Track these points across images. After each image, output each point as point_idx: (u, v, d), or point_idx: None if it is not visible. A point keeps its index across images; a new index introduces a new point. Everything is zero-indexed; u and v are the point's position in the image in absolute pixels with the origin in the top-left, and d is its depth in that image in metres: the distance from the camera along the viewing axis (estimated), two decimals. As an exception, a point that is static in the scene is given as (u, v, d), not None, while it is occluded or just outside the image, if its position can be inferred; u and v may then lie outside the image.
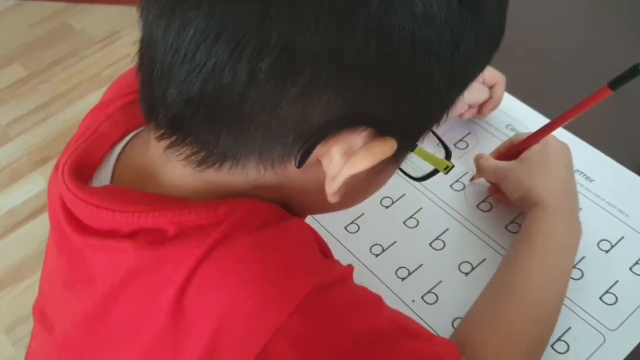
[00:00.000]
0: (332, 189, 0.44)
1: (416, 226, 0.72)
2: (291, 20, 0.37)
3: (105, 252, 0.46)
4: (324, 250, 0.52)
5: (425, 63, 0.40)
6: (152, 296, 0.44)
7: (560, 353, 0.62)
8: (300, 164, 0.42)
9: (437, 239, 0.71)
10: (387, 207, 0.74)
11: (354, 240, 0.71)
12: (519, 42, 0.92)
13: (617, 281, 0.66)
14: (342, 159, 0.42)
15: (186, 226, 0.44)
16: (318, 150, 0.42)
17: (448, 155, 0.52)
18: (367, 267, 0.69)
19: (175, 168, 0.46)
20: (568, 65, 0.88)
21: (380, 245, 0.71)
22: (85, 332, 0.49)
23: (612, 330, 0.63)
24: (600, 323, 0.63)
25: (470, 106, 0.78)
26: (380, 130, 0.42)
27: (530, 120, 0.80)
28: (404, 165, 0.52)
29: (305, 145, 0.41)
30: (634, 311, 0.64)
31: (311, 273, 0.45)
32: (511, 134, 0.80)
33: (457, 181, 0.75)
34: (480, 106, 0.79)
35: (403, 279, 0.68)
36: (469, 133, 0.81)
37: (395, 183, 0.75)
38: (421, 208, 0.74)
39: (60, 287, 0.51)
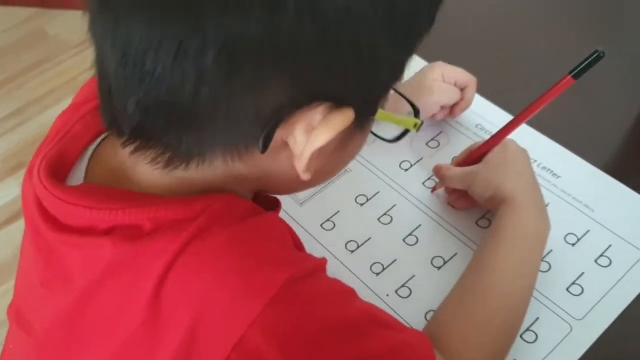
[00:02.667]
0: (300, 167, 0.45)
1: (390, 223, 0.74)
2: (225, 15, 0.38)
3: (82, 249, 0.47)
4: (298, 245, 0.53)
5: (363, 30, 0.41)
6: (130, 291, 0.45)
7: (529, 343, 0.64)
8: (264, 150, 0.43)
9: (410, 234, 0.73)
10: (362, 204, 0.76)
11: (329, 237, 0.73)
12: (487, 44, 0.95)
13: (583, 273, 0.69)
14: (304, 136, 0.43)
15: (162, 221, 0.45)
16: (281, 133, 0.43)
17: (416, 113, 0.53)
18: (342, 264, 0.71)
19: (145, 169, 0.47)
20: (537, 65, 0.91)
21: (355, 241, 0.72)
22: (65, 329, 0.49)
23: (578, 320, 0.65)
24: (567, 313, 0.66)
25: (442, 107, 0.80)
26: (335, 102, 0.43)
27: (500, 120, 0.82)
28: (377, 131, 0.54)
29: (265, 131, 0.42)
30: (599, 301, 0.66)
31: (286, 265, 0.46)
32: (481, 133, 0.82)
33: (429, 179, 0.77)
34: (451, 107, 0.81)
35: (378, 274, 0.70)
36: (440, 132, 0.83)
37: (370, 181, 0.78)
38: (395, 205, 0.75)
39: (39, 287, 0.51)
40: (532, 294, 0.64)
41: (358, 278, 0.69)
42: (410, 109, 0.55)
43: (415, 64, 0.89)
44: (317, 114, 0.43)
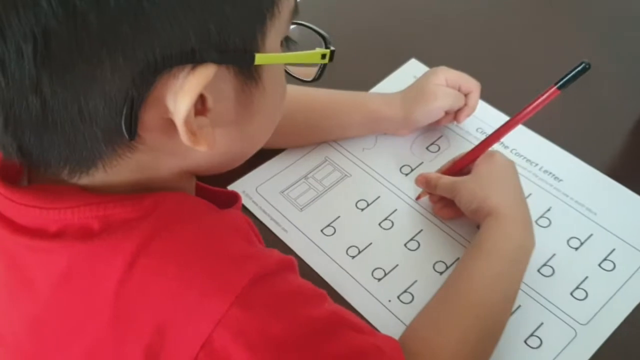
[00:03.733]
0: (185, 140, 0.43)
1: (391, 227, 0.73)
2: (21, 16, 0.36)
3: (38, 253, 0.46)
4: (260, 241, 0.52)
5: None
6: (91, 293, 0.44)
7: (533, 348, 0.63)
8: (131, 136, 0.41)
9: (411, 239, 0.72)
10: (362, 209, 0.75)
11: (330, 242, 0.72)
12: (487, 47, 0.94)
13: (586, 277, 0.68)
14: (174, 107, 0.41)
15: (112, 220, 0.44)
16: (154, 113, 0.41)
17: (325, 41, 0.50)
18: (343, 269, 0.70)
19: (70, 179, 0.46)
20: (537, 68, 0.90)
21: (356, 247, 0.72)
22: (33, 335, 0.48)
23: (583, 325, 0.64)
24: (572, 318, 0.65)
25: (446, 113, 0.80)
26: (189, 62, 0.40)
27: (500, 123, 0.82)
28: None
29: (123, 116, 0.40)
30: (603, 306, 0.66)
31: (250, 262, 0.45)
32: (481, 137, 0.81)
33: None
34: (455, 113, 0.80)
35: (379, 279, 0.69)
36: (440, 137, 0.82)
37: (370, 186, 0.77)
38: (396, 210, 0.75)
39: (6, 295, 0.50)
40: (512, 307, 0.63)
41: (359, 283, 0.69)
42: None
43: (417, 69, 0.89)
44: (175, 80, 0.40)
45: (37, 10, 0.36)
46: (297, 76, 0.54)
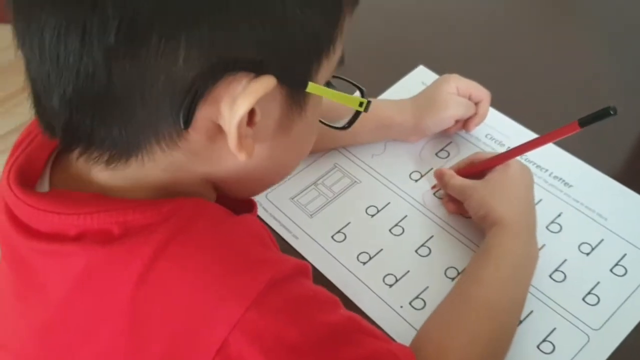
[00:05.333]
0: (232, 144, 0.44)
1: (402, 234, 0.73)
2: None
3: (54, 257, 0.46)
4: (275, 246, 0.52)
5: None
6: (107, 297, 0.45)
7: (546, 353, 0.63)
8: (185, 125, 0.42)
9: (422, 245, 0.72)
10: (372, 215, 0.75)
11: (340, 249, 0.72)
12: (496, 54, 0.95)
13: (598, 282, 0.68)
14: (229, 112, 0.43)
15: (131, 225, 0.44)
16: (207, 113, 0.42)
17: (362, 92, 0.53)
18: (354, 275, 0.70)
19: (98, 174, 0.47)
20: (546, 75, 0.91)
21: (367, 253, 0.72)
22: (42, 342, 0.48)
23: (595, 330, 0.64)
24: (584, 323, 0.65)
25: (457, 121, 0.80)
26: (254, 71, 0.42)
27: (509, 130, 0.83)
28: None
29: (184, 105, 0.41)
30: (615, 311, 0.66)
31: (267, 267, 0.45)
32: (490, 143, 0.82)
33: (440, 189, 0.77)
34: (465, 121, 0.81)
35: (391, 285, 0.69)
36: (450, 142, 0.82)
37: (380, 192, 0.77)
38: (406, 216, 0.75)
39: (13, 302, 0.50)
40: (521, 313, 0.64)
41: (370, 290, 0.69)
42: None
43: (424, 76, 0.89)
44: (237, 85, 0.42)
45: None
46: (327, 122, 0.55)
